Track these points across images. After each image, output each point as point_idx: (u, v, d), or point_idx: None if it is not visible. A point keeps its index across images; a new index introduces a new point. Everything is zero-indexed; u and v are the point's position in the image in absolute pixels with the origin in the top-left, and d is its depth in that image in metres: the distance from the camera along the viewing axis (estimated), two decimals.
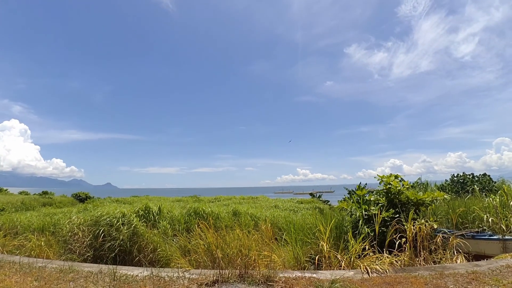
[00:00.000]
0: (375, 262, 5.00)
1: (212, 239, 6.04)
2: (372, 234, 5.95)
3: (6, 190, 33.81)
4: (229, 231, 6.80)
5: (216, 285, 4.00)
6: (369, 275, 4.51)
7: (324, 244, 5.49)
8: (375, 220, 6.03)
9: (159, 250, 7.24)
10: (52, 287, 4.04)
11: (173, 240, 7.94)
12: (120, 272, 4.76)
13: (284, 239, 6.58)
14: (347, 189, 9.30)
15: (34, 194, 30.82)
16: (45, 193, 30.77)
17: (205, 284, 4.04)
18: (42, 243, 7.64)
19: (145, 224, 8.26)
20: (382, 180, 7.17)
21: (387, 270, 4.65)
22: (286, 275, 4.43)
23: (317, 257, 5.39)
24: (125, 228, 7.37)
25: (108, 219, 7.51)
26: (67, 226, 8.05)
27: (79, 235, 7.49)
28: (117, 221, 7.45)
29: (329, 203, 16.47)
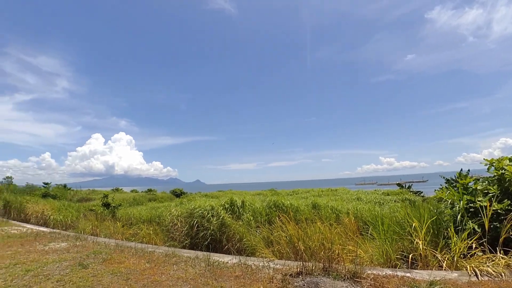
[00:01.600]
0: (485, 263, 4.23)
1: (293, 232, 6.15)
2: (479, 230, 5.02)
3: (121, 190, 41.86)
4: (310, 224, 6.79)
5: (300, 276, 4.08)
6: (478, 278, 3.86)
7: (420, 241, 4.91)
8: (484, 213, 5.04)
9: (244, 240, 7.77)
10: (161, 269, 4.80)
11: (256, 231, 8.40)
12: (213, 258, 5.32)
13: (370, 234, 6.18)
14: (443, 177, 7.85)
15: (142, 191, 37.64)
16: (149, 190, 37.63)
17: (289, 275, 4.17)
18: (151, 231, 9.15)
19: (231, 216, 8.96)
20: (492, 165, 5.91)
21: (503, 274, 3.89)
22: (374, 272, 4.19)
23: (410, 255, 4.88)
24: (215, 219, 8.19)
25: (200, 212, 8.50)
26: (168, 217, 9.41)
27: (178, 225, 8.65)
28: (208, 213, 8.36)
29: (421, 194, 14.58)
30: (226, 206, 9.83)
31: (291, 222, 6.51)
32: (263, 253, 6.54)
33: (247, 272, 4.45)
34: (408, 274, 4.08)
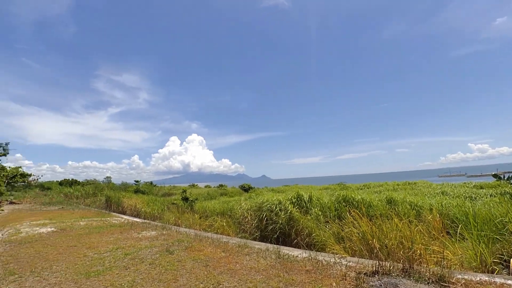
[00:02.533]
0: None
1: (366, 228, 5.78)
2: None
3: (196, 185, 46.37)
4: (385, 221, 6.30)
5: (376, 276, 3.83)
6: None
7: None
8: None
9: (314, 235, 7.67)
10: (235, 258, 5.10)
11: (325, 226, 8.20)
12: (283, 251, 5.41)
13: (460, 233, 5.40)
14: None
15: (214, 187, 41.14)
16: (221, 185, 41.18)
17: (364, 274, 3.95)
18: (224, 223, 9.79)
19: (298, 211, 8.94)
20: None
21: None
22: (466, 277, 3.65)
23: None
24: (283, 213, 8.30)
25: (268, 206, 8.74)
26: (239, 211, 9.92)
27: (248, 218, 9.05)
28: (276, 207, 8.54)
29: None
30: (293, 200, 9.85)
31: (363, 218, 6.14)
32: (333, 249, 6.35)
33: (317, 267, 4.39)
34: (509, 282, 3.44)
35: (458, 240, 5.40)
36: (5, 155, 21.90)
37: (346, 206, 9.36)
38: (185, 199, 16.35)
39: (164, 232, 7.94)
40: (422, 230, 6.08)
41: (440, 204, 9.56)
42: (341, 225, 7.33)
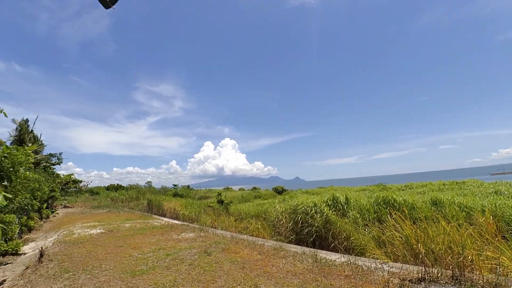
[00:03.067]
0: None
1: (410, 232, 5.45)
2: None
3: (230, 188, 47.32)
4: (431, 223, 5.88)
5: (422, 283, 3.59)
6: None
7: None
8: None
9: (352, 238, 7.39)
10: (271, 261, 5.10)
11: (364, 230, 7.86)
12: (320, 255, 5.29)
13: None
14: None
15: (248, 189, 41.60)
16: (254, 188, 41.59)
17: (409, 280, 3.72)
18: (259, 226, 9.85)
19: (335, 213, 8.69)
20: None
21: None
22: None
23: None
24: (318, 216, 8.13)
25: (303, 208, 8.61)
26: (273, 213, 9.92)
27: (283, 221, 9.01)
28: (311, 210, 8.38)
29: None
30: (329, 202, 9.60)
31: (406, 221, 5.79)
32: (374, 254, 6.06)
33: (357, 273, 4.22)
34: None
35: None
36: (59, 163, 24.32)
37: (386, 208, 8.88)
38: (220, 202, 16.77)
39: (201, 234, 8.20)
40: (473, 233, 5.56)
41: (493, 205, 8.64)
42: (381, 229, 6.98)
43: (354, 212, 8.95)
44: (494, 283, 3.24)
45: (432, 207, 9.25)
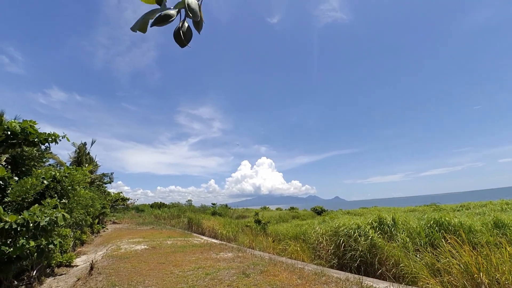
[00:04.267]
0: None
1: (469, 259, 4.85)
2: None
3: (268, 208, 46.78)
4: (493, 249, 5.19)
5: None
6: None
7: None
8: None
9: (401, 265, 6.77)
10: (312, 286, 4.85)
11: (416, 255, 7.16)
12: (366, 282, 4.91)
13: None
14: None
15: (285, 209, 40.79)
16: (292, 208, 40.60)
17: None
18: (298, 248, 9.52)
19: (381, 236, 8.09)
20: None
21: None
22: None
23: None
24: (363, 239, 7.61)
25: (345, 230, 8.14)
26: (313, 235, 9.54)
27: (323, 244, 8.60)
28: (354, 232, 7.88)
29: None
30: (374, 224, 8.96)
31: (464, 246, 5.17)
32: (428, 283, 5.45)
33: None
34: None
35: None
36: (111, 182, 26.45)
37: (440, 232, 8.04)
38: (258, 221, 16.63)
39: (239, 254, 8.15)
40: None
41: None
42: (435, 255, 6.31)
43: (403, 235, 8.21)
44: None
45: (495, 230, 8.16)
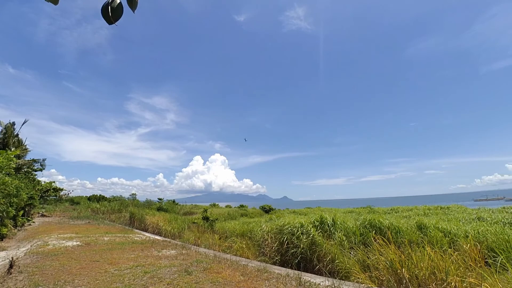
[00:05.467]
0: None
1: (394, 256, 5.41)
2: None
3: (217, 205, 46.41)
4: (415, 248, 5.86)
5: None
6: None
7: None
8: None
9: (337, 261, 7.27)
10: (253, 283, 4.92)
11: (350, 253, 7.76)
12: (304, 278, 5.15)
13: (501, 264, 4.88)
14: None
15: (235, 207, 41.00)
16: (241, 206, 40.98)
17: None
18: (244, 245, 9.60)
19: (321, 235, 8.58)
20: None
21: None
22: None
23: None
24: (304, 237, 7.99)
25: (289, 228, 8.46)
26: (259, 233, 9.71)
27: (268, 241, 8.81)
28: (297, 231, 8.24)
29: None
30: (316, 223, 9.49)
31: (390, 245, 5.76)
32: (358, 278, 5.94)
33: None
34: None
35: (499, 271, 4.86)
36: (41, 170, 23.47)
37: (372, 231, 8.84)
38: (206, 218, 16.37)
39: (183, 252, 7.91)
40: (457, 259, 5.56)
41: (476, 231, 8.78)
42: (366, 252, 6.91)
43: (340, 234, 8.84)
44: None
45: (417, 232, 9.30)
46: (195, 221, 17.59)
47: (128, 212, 21.52)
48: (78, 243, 9.12)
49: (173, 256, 7.28)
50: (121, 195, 39.43)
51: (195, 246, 9.41)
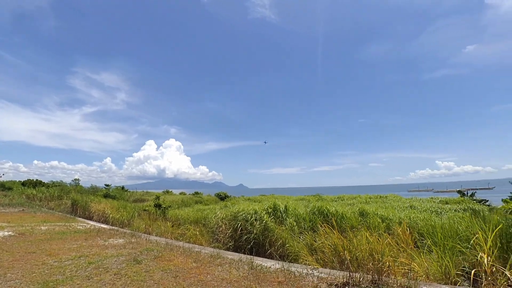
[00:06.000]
0: None
1: (337, 240, 5.88)
2: None
3: (171, 192, 45.00)
4: (356, 233, 6.43)
5: (346, 287, 3.88)
6: None
7: (485, 256, 4.32)
8: None
9: (287, 245, 7.66)
10: (206, 269, 4.95)
11: (299, 237, 8.22)
12: (256, 262, 5.34)
13: (428, 246, 5.63)
14: None
15: (189, 194, 40.18)
16: (196, 193, 40.24)
17: (335, 285, 3.98)
18: (197, 232, 9.55)
19: (273, 221, 8.92)
20: None
21: None
22: None
23: (473, 271, 4.32)
24: (258, 223, 8.23)
25: (244, 215, 8.62)
26: (214, 219, 9.72)
27: (223, 228, 8.88)
28: (251, 217, 8.44)
29: (487, 203, 12.85)
30: (269, 210, 9.82)
31: (334, 231, 6.25)
32: (306, 260, 6.37)
33: (290, 279, 4.36)
34: None
35: (425, 252, 5.62)
36: None
37: (320, 218, 9.47)
38: (158, 206, 15.81)
39: (132, 240, 7.58)
40: (391, 242, 6.27)
41: (408, 217, 9.97)
42: (314, 237, 7.39)
43: (291, 220, 9.30)
44: (405, 286, 3.68)
45: (359, 218, 10.21)
46: (146, 208, 16.88)
47: (70, 199, 19.74)
48: (10, 233, 8.18)
49: (121, 245, 6.94)
50: (61, 180, 35.95)
51: (146, 234, 9.08)
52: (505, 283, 3.98)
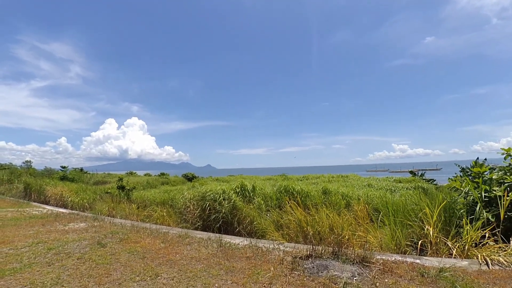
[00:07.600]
0: (497, 252, 4.20)
1: (302, 217, 6.24)
2: (493, 220, 4.95)
3: (135, 173, 43.34)
4: (319, 210, 6.85)
5: (309, 259, 4.17)
6: (488, 267, 3.85)
7: (430, 229, 4.91)
8: (500, 203, 4.96)
9: (255, 223, 7.93)
10: (175, 249, 4.99)
11: (267, 215, 8.54)
12: (225, 240, 5.49)
13: (381, 220, 6.20)
14: (459, 166, 7.79)
15: (155, 175, 38.90)
16: (162, 174, 39.13)
17: (299, 257, 4.26)
18: (164, 213, 9.46)
19: (242, 200, 9.11)
20: (509, 154, 5.77)
21: None
22: (384, 257, 4.23)
23: (420, 242, 4.90)
24: (226, 202, 8.35)
25: (212, 195, 8.68)
26: (181, 200, 9.66)
27: (191, 208, 8.89)
28: (219, 197, 8.52)
29: (434, 183, 14.36)
30: (237, 190, 9.98)
31: (299, 208, 6.60)
32: (273, 236, 6.68)
33: (257, 254, 4.58)
34: (417, 261, 4.10)
35: (379, 226, 6.19)
36: None
37: (286, 196, 9.85)
38: (121, 187, 15.23)
39: (95, 224, 7.32)
40: (350, 218, 6.81)
41: (366, 195, 10.80)
42: (280, 214, 7.73)
43: (259, 199, 9.58)
44: (362, 256, 4.07)
45: (322, 196, 10.82)
46: (109, 190, 16.17)
47: (22, 183, 18.23)
48: None
49: (82, 229, 6.68)
50: (10, 163, 32.91)
51: (110, 218, 8.80)
52: (447, 251, 4.61)
